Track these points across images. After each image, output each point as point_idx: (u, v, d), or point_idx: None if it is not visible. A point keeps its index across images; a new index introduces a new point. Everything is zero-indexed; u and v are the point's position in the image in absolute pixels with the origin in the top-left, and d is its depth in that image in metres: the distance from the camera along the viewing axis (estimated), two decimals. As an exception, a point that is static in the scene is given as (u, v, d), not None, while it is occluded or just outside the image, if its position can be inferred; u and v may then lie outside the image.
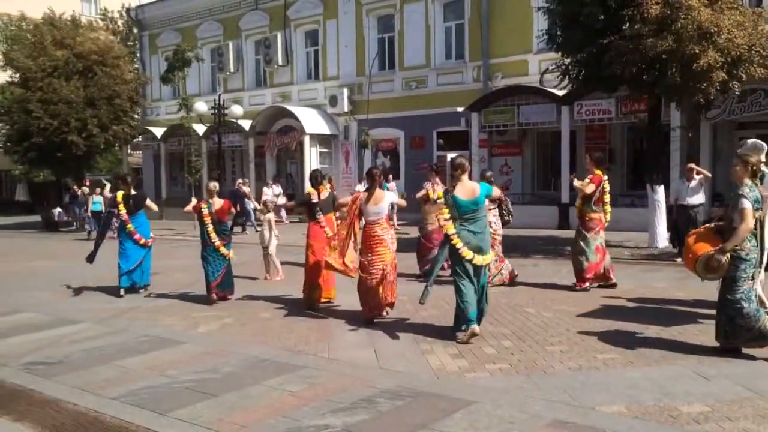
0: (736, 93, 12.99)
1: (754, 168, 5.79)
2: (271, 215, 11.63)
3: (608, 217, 9.46)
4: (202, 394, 5.38)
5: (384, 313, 7.83)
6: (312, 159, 23.50)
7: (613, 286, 9.31)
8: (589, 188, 9.16)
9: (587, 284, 9.30)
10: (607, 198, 9.38)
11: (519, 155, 20.51)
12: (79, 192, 24.19)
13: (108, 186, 17.37)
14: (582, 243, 9.32)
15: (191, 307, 9.08)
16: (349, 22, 23.60)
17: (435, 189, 10.40)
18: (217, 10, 27.60)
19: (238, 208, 11.07)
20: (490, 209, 9.25)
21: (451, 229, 6.72)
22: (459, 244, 6.66)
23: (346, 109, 23.49)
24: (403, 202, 8.54)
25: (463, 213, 6.73)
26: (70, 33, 26.32)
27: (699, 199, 11.70)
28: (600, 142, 19.04)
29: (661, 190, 13.44)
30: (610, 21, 12.07)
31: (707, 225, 6.13)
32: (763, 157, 6.63)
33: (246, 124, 24.51)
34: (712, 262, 5.70)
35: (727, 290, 5.78)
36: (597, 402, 4.87)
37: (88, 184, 25.28)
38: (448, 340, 6.75)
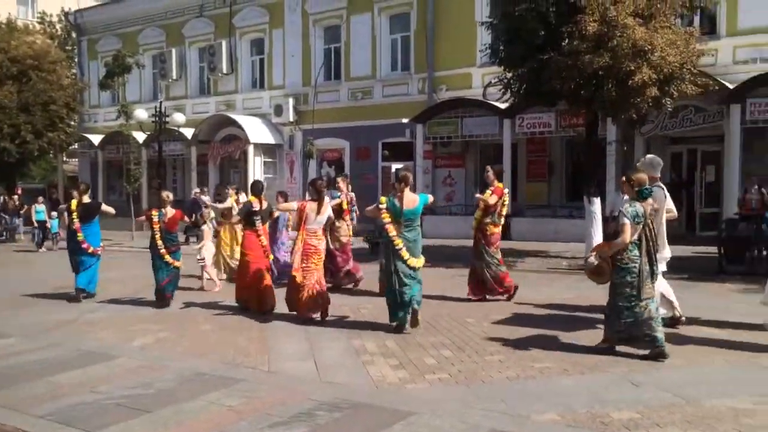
0: (669, 109, 13.51)
1: (632, 183, 6.41)
2: (205, 227, 11.47)
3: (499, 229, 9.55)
4: (136, 410, 5.24)
5: (317, 317, 8.24)
6: (256, 168, 23.28)
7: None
8: (492, 199, 9.25)
9: (513, 291, 9.47)
10: (505, 211, 9.53)
11: (462, 167, 20.79)
12: (10, 202, 23.25)
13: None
14: (487, 257, 9.36)
15: (127, 320, 8.84)
16: (296, 32, 23.53)
17: (347, 198, 10.69)
18: (159, 17, 27.11)
19: (195, 218, 11.13)
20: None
21: (392, 231, 7.44)
22: (400, 245, 7.41)
23: (291, 119, 23.37)
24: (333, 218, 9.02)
25: (403, 220, 7.48)
26: (4, 36, 25.41)
27: (633, 211, 12.07)
28: (540, 154, 19.51)
29: (597, 202, 13.81)
30: (550, 37, 12.40)
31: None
32: (657, 173, 7.38)
33: (188, 132, 24.12)
34: (592, 267, 6.48)
35: (611, 294, 6.46)
36: (533, 410, 4.96)
37: (20, 192, 24.38)
38: (389, 351, 6.78)
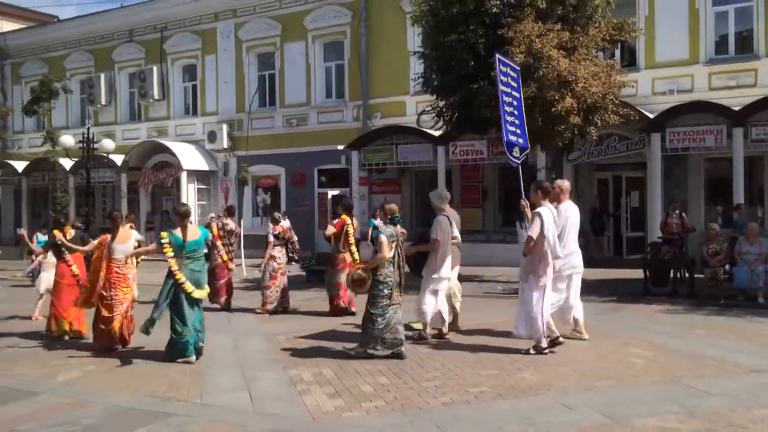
0: (594, 137, 14.02)
1: (385, 212, 7.77)
2: (49, 256, 10.94)
3: (356, 256, 10.38)
4: (59, 449, 4.99)
5: (121, 347, 8.44)
6: (190, 195, 22.78)
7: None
8: (329, 230, 10.52)
9: (338, 312, 10.44)
10: (352, 240, 10.48)
11: (398, 193, 20.89)
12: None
13: None
14: (327, 277, 10.71)
15: (50, 355, 8.43)
16: (229, 58, 23.36)
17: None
18: (87, 41, 26.44)
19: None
20: (276, 246, 10.93)
21: (174, 265, 7.77)
22: (182, 279, 7.71)
23: (225, 145, 23.05)
24: (152, 247, 9.26)
25: (186, 253, 7.81)
26: None
27: (563, 235, 12.39)
28: (474, 181, 19.85)
29: (529, 227, 14.12)
30: (479, 67, 12.71)
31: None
32: (444, 204, 8.58)
33: (118, 158, 23.43)
34: (355, 277, 7.47)
35: (368, 304, 7.47)
36: (468, 436, 4.97)
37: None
38: (325, 379, 6.69)
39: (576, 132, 12.86)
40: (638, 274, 12.70)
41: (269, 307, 10.99)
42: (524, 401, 5.82)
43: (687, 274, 12.31)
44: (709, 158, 16.70)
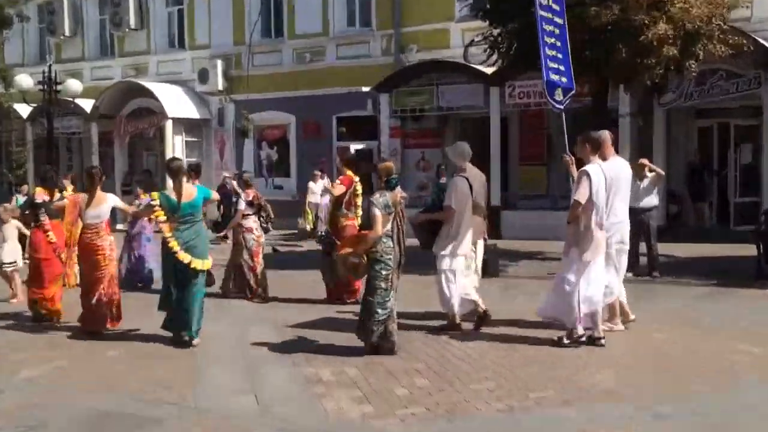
0: (693, 74, 13.77)
1: (379, 173, 7.69)
2: (15, 222, 11.27)
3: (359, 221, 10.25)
4: (23, 460, 5.18)
5: (110, 328, 8.87)
6: (176, 149, 23.05)
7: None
8: (338, 189, 10.44)
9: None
10: (359, 201, 10.42)
11: (439, 146, 20.80)
12: None
13: None
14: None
15: (10, 346, 8.66)
16: (224, -24, 23.41)
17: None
18: (46, -44, 26.71)
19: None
20: (248, 215, 10.95)
21: (168, 230, 8.16)
22: (176, 247, 8.07)
23: (220, 87, 23.22)
24: (129, 208, 9.91)
25: (181, 217, 8.18)
26: None
27: (652, 201, 12.29)
28: (537, 131, 19.68)
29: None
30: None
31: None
32: (464, 163, 8.54)
33: (87, 104, 23.77)
34: (348, 264, 7.54)
35: (366, 291, 7.59)
36: (529, 450, 5.04)
37: None
38: (349, 380, 6.79)
39: (671, 67, 12.66)
40: (749, 250, 12.55)
41: (262, 293, 10.99)
42: (601, 407, 5.86)
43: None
44: None
